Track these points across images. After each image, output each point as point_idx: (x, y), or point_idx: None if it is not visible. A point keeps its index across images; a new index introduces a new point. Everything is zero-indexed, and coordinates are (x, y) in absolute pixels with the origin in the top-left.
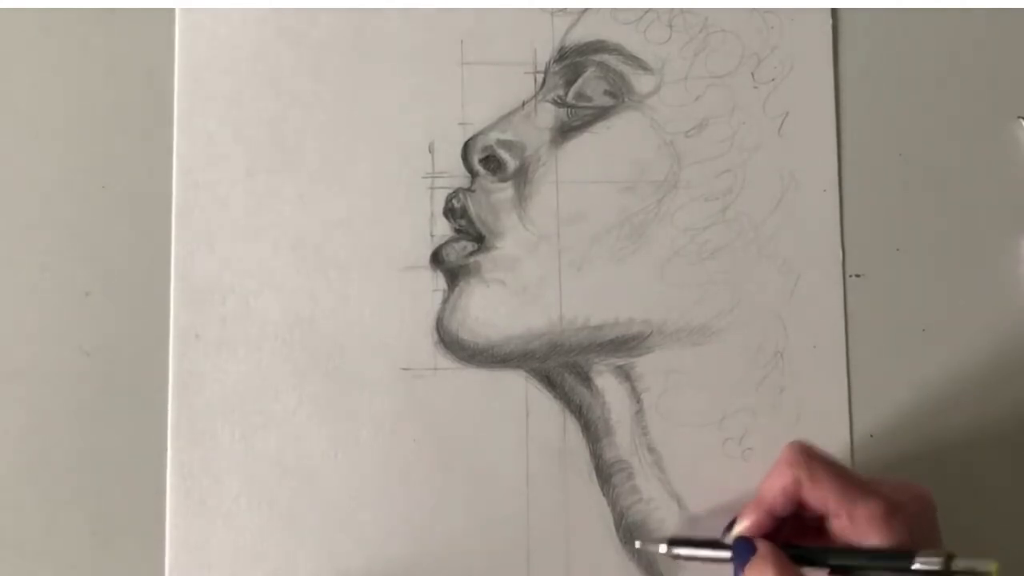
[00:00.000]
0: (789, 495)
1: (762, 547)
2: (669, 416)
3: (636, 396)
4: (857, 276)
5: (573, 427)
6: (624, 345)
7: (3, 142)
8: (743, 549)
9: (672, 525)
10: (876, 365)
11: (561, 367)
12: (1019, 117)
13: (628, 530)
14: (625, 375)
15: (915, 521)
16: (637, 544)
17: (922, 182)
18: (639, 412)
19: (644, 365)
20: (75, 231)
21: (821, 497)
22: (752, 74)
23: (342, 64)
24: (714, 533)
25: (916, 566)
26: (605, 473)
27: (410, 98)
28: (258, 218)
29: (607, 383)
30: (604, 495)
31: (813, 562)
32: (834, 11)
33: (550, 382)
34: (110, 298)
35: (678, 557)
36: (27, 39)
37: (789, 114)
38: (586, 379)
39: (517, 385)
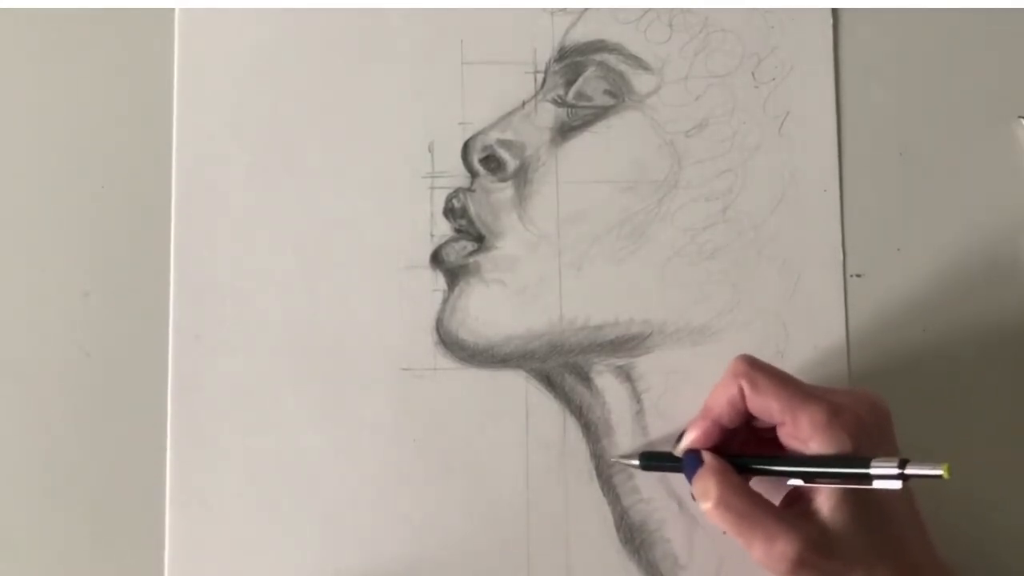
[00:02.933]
0: (735, 405)
1: (707, 458)
2: (669, 416)
3: (636, 396)
4: (857, 276)
5: (573, 427)
6: (624, 345)
7: (3, 142)
8: (691, 461)
9: (672, 525)
10: (876, 365)
11: (561, 367)
12: (1019, 117)
13: (628, 530)
14: (625, 375)
15: (862, 426)
16: (612, 459)
17: (922, 182)
18: (639, 412)
19: (644, 365)
20: (75, 231)
21: (765, 405)
22: (752, 74)
23: (342, 64)
24: None
25: (872, 471)
26: (605, 473)
27: (410, 98)
28: (258, 218)
29: (607, 383)
30: (604, 495)
31: (762, 472)
32: (834, 11)
33: (550, 382)
34: (110, 298)
35: (648, 469)
36: (27, 39)
37: (789, 114)
38: (586, 379)
39: (517, 385)
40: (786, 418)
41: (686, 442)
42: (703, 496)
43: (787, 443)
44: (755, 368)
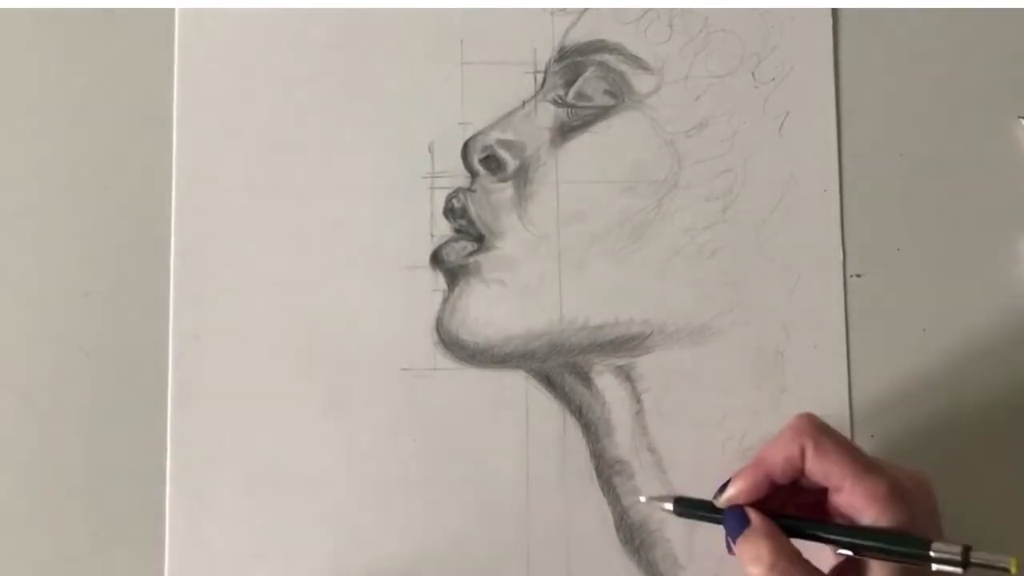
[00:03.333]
0: (791, 463)
1: (755, 520)
2: (669, 416)
3: (636, 396)
4: (857, 276)
5: (573, 427)
6: (624, 345)
7: (3, 142)
8: (735, 519)
9: (672, 525)
10: (876, 365)
11: (561, 367)
12: (1019, 117)
13: (628, 530)
14: (625, 375)
15: (917, 507)
16: (642, 499)
17: (922, 182)
18: (639, 412)
19: (644, 365)
20: (75, 231)
21: (824, 469)
22: (752, 74)
23: (342, 64)
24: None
25: (933, 554)
26: (605, 473)
27: (410, 98)
28: (258, 218)
29: (607, 383)
30: (604, 495)
31: (811, 536)
32: (834, 11)
33: (550, 382)
34: (110, 298)
35: (682, 515)
36: (27, 39)
37: (789, 114)
38: (586, 379)
39: (517, 385)
40: (844, 484)
41: (731, 493)
42: (754, 561)
43: (836, 510)
44: (820, 430)
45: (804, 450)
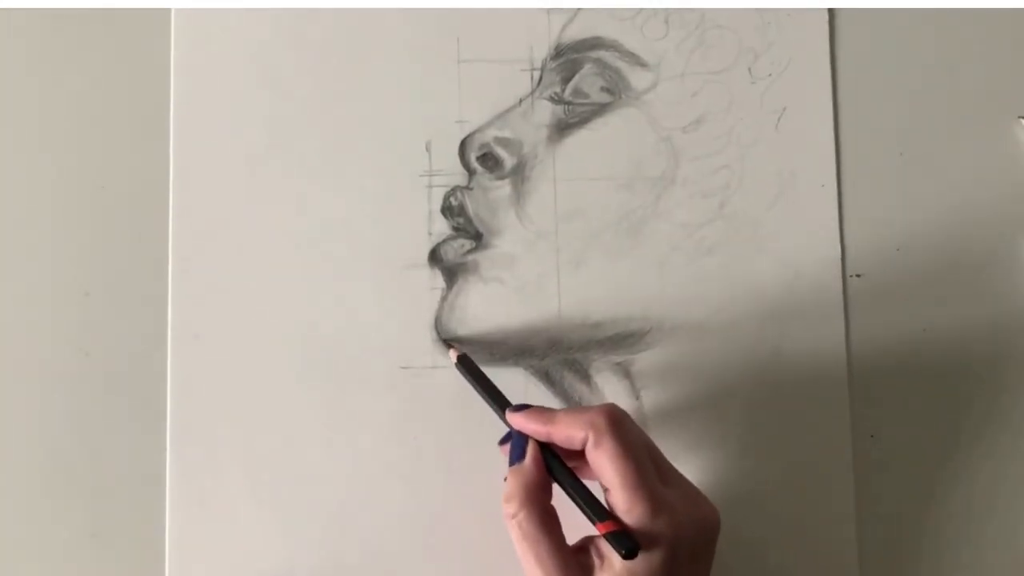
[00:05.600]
0: (571, 443)
1: (531, 457)
2: (668, 412)
3: (635, 392)
4: (857, 276)
5: None
6: (623, 342)
7: (2, 142)
8: (516, 446)
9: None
10: (876, 364)
11: (560, 364)
12: (1019, 117)
13: None
14: (624, 372)
15: (672, 540)
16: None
17: (922, 182)
18: (638, 408)
19: (643, 362)
20: (75, 231)
21: (598, 465)
22: (749, 70)
23: (339, 63)
24: None
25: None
26: None
27: (407, 96)
28: (256, 218)
29: (606, 380)
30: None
31: (564, 489)
32: (831, 11)
33: (549, 379)
34: (110, 298)
35: (461, 371)
36: (26, 39)
37: (786, 110)
38: (585, 376)
39: (516, 383)
40: (611, 489)
41: (519, 422)
42: (506, 498)
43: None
44: (613, 426)
45: (587, 439)
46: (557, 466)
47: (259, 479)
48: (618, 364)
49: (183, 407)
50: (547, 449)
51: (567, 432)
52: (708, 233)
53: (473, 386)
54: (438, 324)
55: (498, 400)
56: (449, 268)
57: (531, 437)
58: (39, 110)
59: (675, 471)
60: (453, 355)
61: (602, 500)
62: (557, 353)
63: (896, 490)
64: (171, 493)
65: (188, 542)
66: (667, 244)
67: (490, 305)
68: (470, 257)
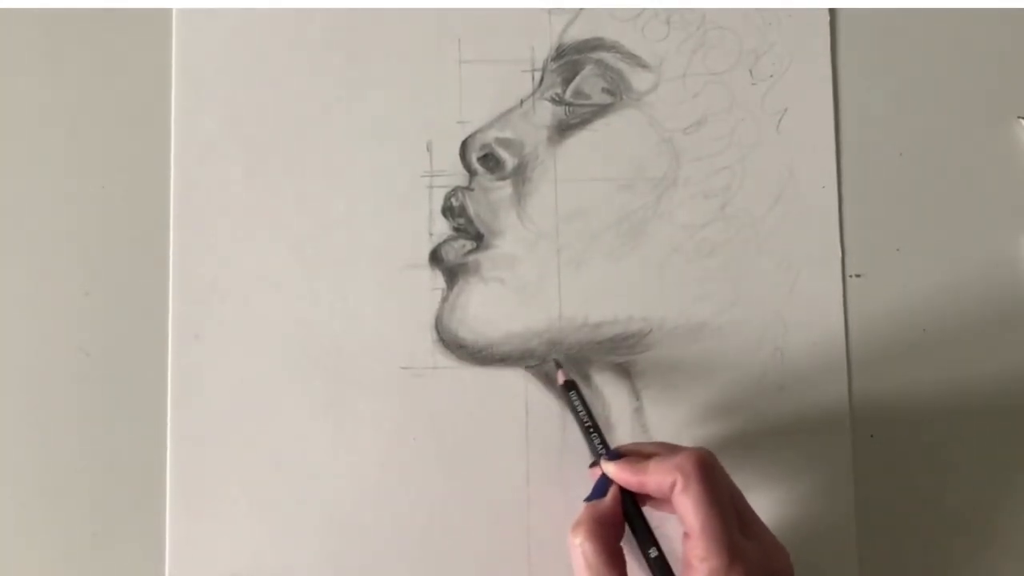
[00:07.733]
0: (660, 490)
1: (608, 503)
2: (668, 413)
3: (636, 393)
4: (857, 276)
5: (573, 425)
6: (623, 343)
7: (2, 143)
8: (598, 486)
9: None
10: (876, 365)
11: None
12: (1019, 117)
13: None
14: (625, 372)
15: None
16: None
17: (922, 182)
18: (639, 409)
19: (643, 362)
20: (74, 231)
21: (683, 511)
22: (750, 70)
23: (339, 63)
24: None
25: None
26: None
27: (408, 97)
28: (257, 218)
29: (607, 381)
30: None
31: (633, 530)
32: (832, 11)
33: (550, 380)
34: (110, 298)
35: (569, 398)
36: (26, 39)
37: (787, 110)
38: (586, 377)
39: (517, 383)
40: (691, 535)
41: (612, 473)
42: (577, 524)
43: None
44: (702, 472)
45: (675, 484)
46: (638, 521)
47: (259, 479)
48: (619, 365)
49: (183, 407)
50: (629, 497)
51: (658, 481)
52: (709, 234)
53: (573, 414)
54: (439, 325)
55: (597, 434)
56: (450, 269)
57: (612, 489)
58: (39, 110)
59: (757, 521)
60: (561, 377)
61: (677, 549)
62: (558, 354)
63: (896, 490)
64: (171, 493)
65: (188, 542)
66: (668, 245)
67: (491, 306)
68: (471, 258)
